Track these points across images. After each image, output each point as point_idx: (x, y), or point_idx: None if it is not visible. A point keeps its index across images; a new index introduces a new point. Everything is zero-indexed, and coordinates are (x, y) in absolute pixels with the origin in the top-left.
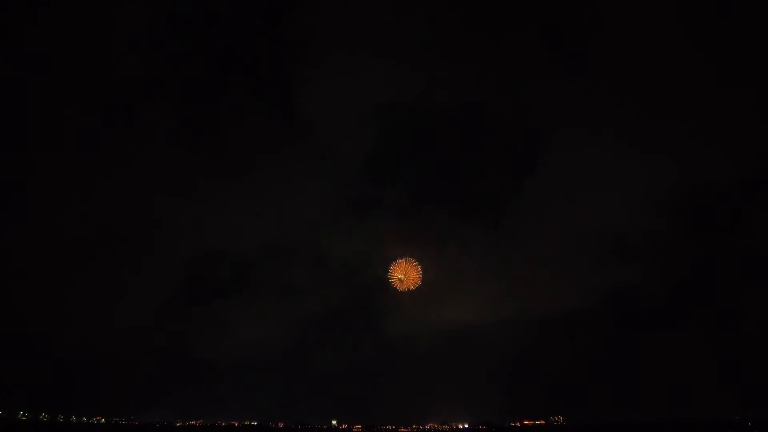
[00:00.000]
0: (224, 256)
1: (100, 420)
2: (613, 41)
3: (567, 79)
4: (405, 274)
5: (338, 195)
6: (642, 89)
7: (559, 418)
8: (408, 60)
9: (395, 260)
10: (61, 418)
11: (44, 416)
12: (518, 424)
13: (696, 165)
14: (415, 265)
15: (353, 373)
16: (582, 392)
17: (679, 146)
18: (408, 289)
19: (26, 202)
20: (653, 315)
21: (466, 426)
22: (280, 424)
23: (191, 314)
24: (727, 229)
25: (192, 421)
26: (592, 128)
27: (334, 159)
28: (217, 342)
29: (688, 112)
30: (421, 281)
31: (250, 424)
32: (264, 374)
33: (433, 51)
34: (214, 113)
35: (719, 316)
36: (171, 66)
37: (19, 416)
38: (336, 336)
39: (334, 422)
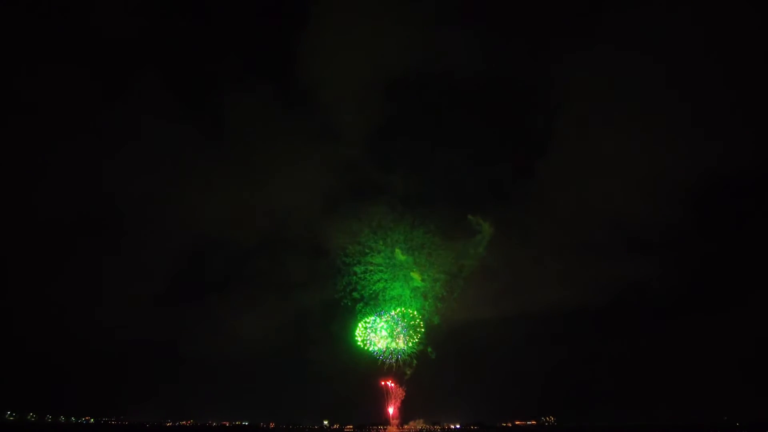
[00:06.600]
0: (217, 248)
1: (89, 420)
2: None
3: (577, 60)
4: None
5: (340, 179)
6: (659, 79)
7: (550, 419)
8: (416, 28)
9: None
10: (49, 418)
11: (32, 416)
12: (509, 425)
13: (712, 155)
14: None
15: (347, 371)
16: (574, 393)
17: (697, 136)
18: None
19: (7, 191)
20: (656, 315)
21: (458, 426)
22: (272, 424)
23: (182, 310)
24: (743, 222)
25: (182, 420)
26: (606, 111)
27: (336, 139)
28: (208, 339)
29: (708, 102)
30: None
31: (241, 424)
32: (256, 373)
33: (444, 14)
34: (209, 86)
35: (724, 316)
36: (162, 33)
37: (7, 416)
38: (331, 332)
39: (325, 422)
